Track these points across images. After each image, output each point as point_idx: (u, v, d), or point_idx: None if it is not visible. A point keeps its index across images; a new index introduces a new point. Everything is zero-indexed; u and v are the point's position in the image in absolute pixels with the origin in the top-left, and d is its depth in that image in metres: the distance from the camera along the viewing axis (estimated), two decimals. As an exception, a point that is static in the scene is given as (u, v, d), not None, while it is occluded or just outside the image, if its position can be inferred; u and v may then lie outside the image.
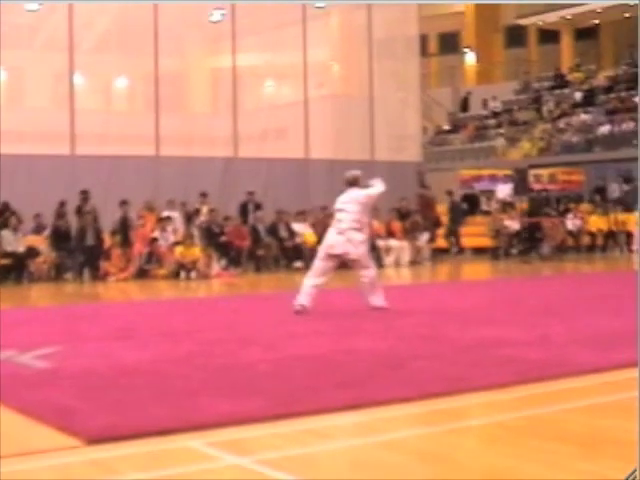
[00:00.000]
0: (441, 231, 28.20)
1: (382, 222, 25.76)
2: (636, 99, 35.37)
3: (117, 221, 22.55)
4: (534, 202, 31.39)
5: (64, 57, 24.68)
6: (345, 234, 12.48)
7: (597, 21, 44.73)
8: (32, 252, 21.33)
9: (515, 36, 47.86)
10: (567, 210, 30.82)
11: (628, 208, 30.45)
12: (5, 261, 20.95)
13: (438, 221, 27.98)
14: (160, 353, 8.89)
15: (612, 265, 26.00)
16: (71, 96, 24.81)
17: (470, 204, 32.18)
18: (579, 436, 5.46)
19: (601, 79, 41.00)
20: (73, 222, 22.28)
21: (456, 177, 33.51)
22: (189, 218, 23.59)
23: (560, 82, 42.53)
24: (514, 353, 8.45)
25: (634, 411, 5.66)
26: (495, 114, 42.58)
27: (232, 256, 23.10)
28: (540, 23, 46.07)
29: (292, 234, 24.36)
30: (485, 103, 43.62)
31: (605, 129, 35.44)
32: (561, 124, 37.88)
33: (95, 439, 5.37)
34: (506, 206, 29.81)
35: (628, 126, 34.43)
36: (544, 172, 33.38)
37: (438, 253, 27.31)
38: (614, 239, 30.45)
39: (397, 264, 25.11)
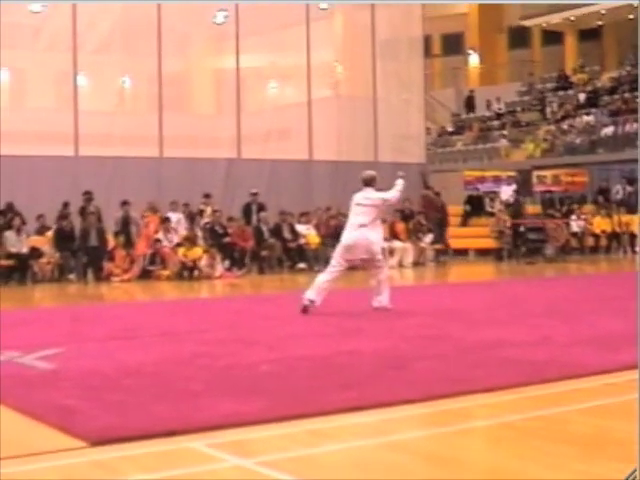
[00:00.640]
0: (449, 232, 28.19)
1: (386, 223, 25.73)
2: (640, 100, 35.34)
3: (119, 222, 22.57)
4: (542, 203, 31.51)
5: (67, 58, 24.71)
6: (361, 231, 12.54)
7: (601, 22, 44.64)
8: (36, 253, 21.35)
9: (519, 37, 47.79)
10: (570, 211, 30.77)
11: (632, 209, 30.40)
12: (9, 262, 20.97)
13: (445, 222, 27.97)
14: (163, 354, 8.88)
15: (616, 266, 25.98)
16: (75, 97, 24.85)
17: (474, 205, 32.15)
18: (583, 437, 5.45)
19: (605, 80, 40.97)
20: (77, 223, 22.29)
21: (460, 178, 33.47)
22: (192, 219, 23.58)
23: (564, 83, 42.48)
24: (518, 354, 8.44)
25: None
26: (499, 115, 42.54)
27: (235, 257, 23.11)
28: (544, 24, 46.00)
29: (296, 235, 24.35)
30: (489, 104, 43.57)
31: (609, 130, 35.40)
32: (565, 125, 37.85)
33: (98, 440, 5.36)
34: (509, 207, 29.77)
35: (632, 127, 34.38)
36: (548, 173, 33.34)
37: (442, 254, 27.25)
38: (618, 240, 30.39)
39: (401, 265, 25.10)
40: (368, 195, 12.79)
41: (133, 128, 26.13)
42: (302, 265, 23.59)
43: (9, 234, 21.14)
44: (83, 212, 22.42)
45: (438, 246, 26.96)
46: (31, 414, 6.11)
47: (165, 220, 22.86)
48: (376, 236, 12.80)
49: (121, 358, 8.60)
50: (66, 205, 22.51)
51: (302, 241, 24.23)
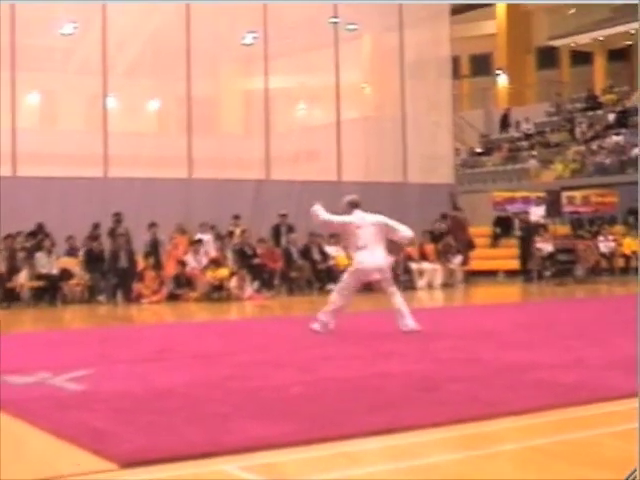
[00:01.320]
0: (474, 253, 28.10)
1: (415, 245, 25.70)
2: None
3: (148, 243, 22.66)
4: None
5: (98, 80, 24.84)
6: (376, 254, 12.62)
7: (630, 42, 44.55)
8: (66, 274, 21.46)
9: (547, 57, 47.74)
10: (598, 232, 30.63)
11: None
12: (39, 283, 21.09)
13: (471, 243, 27.88)
14: (193, 376, 8.90)
15: (647, 288, 25.80)
16: (104, 119, 24.97)
17: (503, 227, 32.03)
18: (614, 461, 5.41)
19: (634, 100, 40.81)
20: (106, 244, 22.38)
21: (489, 199, 33.38)
22: (221, 240, 23.59)
23: (593, 103, 42.34)
24: (549, 376, 8.41)
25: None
26: (527, 136, 42.43)
27: (265, 278, 23.12)
28: (572, 44, 45.96)
29: (325, 256, 24.34)
30: (518, 125, 43.50)
31: (638, 150, 35.23)
32: (594, 146, 37.70)
33: (129, 462, 5.38)
34: (539, 228, 29.65)
35: (662, 148, 34.23)
36: (577, 194, 33.20)
37: (471, 275, 27.17)
38: (649, 262, 30.18)
39: (430, 286, 25.04)
40: (367, 217, 12.97)
41: (162, 149, 26.25)
42: (331, 286, 23.48)
43: (39, 255, 21.26)
44: (113, 233, 22.51)
45: (467, 267, 26.91)
46: (61, 435, 6.14)
47: (196, 242, 22.90)
48: (386, 258, 12.93)
49: (151, 380, 8.63)
50: (96, 226, 22.60)
51: (331, 262, 24.19)
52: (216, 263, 22.19)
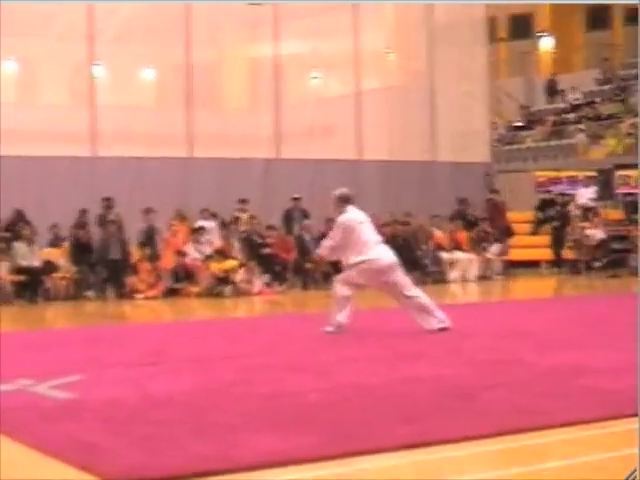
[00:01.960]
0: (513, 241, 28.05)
1: (445, 232, 25.65)
2: None
3: (143, 232, 22.63)
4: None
5: (83, 47, 24.83)
6: (387, 249, 12.84)
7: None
8: (49, 267, 21.47)
9: (598, 17, 47.57)
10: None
11: None
12: (19, 277, 21.09)
13: (510, 230, 27.82)
14: (195, 382, 8.92)
15: None
16: (91, 90, 24.99)
17: (547, 211, 31.93)
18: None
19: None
20: (95, 233, 22.41)
21: (530, 180, 33.31)
22: (226, 228, 23.55)
23: (650, 69, 42.22)
24: (600, 382, 8.39)
25: None
26: (575, 107, 42.28)
27: (276, 270, 23.11)
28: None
29: (343, 246, 24.31)
30: (563, 94, 43.35)
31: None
32: (651, 118, 37.61)
33: (123, 480, 5.40)
34: (588, 212, 29.55)
35: None
36: (632, 173, 33.10)
37: (510, 266, 27.13)
38: None
39: (464, 279, 24.99)
40: (362, 214, 13.38)
41: (158, 125, 26.25)
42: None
43: (19, 245, 21.17)
44: (102, 221, 22.52)
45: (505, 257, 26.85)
46: (46, 450, 6.17)
47: (197, 229, 22.88)
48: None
49: (148, 387, 8.64)
50: (83, 213, 22.62)
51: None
52: (221, 254, 22.21)
